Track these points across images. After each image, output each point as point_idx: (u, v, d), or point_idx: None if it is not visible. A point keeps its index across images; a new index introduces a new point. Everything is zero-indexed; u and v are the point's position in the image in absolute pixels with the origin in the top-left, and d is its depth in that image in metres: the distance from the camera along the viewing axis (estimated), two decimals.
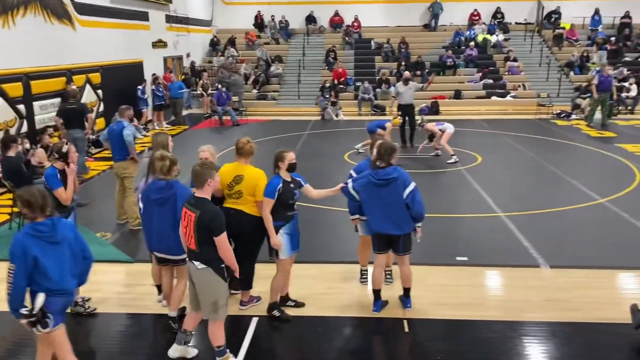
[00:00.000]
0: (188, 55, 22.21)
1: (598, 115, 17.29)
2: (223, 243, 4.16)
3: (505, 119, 18.70)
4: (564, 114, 18.85)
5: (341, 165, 11.03)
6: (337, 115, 19.33)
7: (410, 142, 14.47)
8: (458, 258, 6.79)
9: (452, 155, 11.92)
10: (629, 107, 19.39)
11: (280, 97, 21.42)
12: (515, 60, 22.30)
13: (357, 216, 5.81)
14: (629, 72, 20.65)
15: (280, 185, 5.07)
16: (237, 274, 4.36)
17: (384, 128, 12.14)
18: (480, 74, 21.87)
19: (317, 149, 13.46)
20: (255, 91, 21.55)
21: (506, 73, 21.97)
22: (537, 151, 13.20)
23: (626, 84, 19.54)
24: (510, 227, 7.92)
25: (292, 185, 5.15)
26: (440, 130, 12.29)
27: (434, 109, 19.88)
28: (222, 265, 4.25)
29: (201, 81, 20.65)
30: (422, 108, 19.98)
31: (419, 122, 12.62)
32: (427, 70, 21.86)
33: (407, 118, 14.17)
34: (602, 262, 6.65)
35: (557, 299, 5.73)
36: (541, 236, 7.53)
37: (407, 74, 15.09)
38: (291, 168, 5.20)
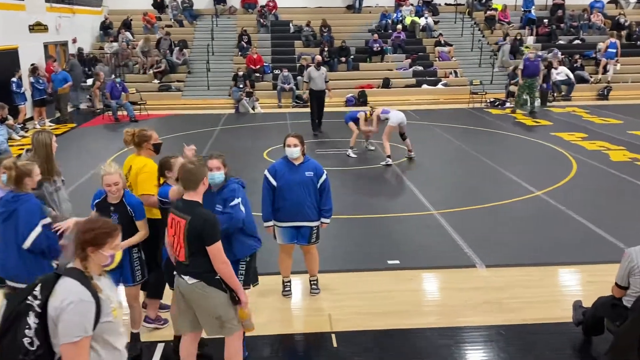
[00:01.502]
0: (74, 40, 21.32)
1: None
2: (217, 253, 4.05)
3: (437, 108, 19.39)
4: (497, 102, 19.80)
5: (260, 165, 10.99)
6: (253, 108, 19.26)
7: (319, 128, 15.06)
8: (389, 262, 6.96)
9: (387, 156, 11.59)
10: (563, 93, 20.67)
11: (187, 88, 21.08)
12: (446, 44, 23.16)
13: (271, 223, 5.87)
14: (563, 57, 22.02)
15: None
16: (241, 296, 4.17)
17: (356, 120, 12.28)
18: (410, 60, 22.53)
19: (232, 146, 13.34)
20: (156, 81, 21.07)
21: (437, 59, 22.77)
22: (471, 143, 13.78)
23: (557, 70, 20.76)
24: (444, 225, 8.22)
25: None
26: (385, 118, 11.91)
27: (361, 99, 20.26)
28: (217, 277, 4.14)
29: (97, 72, 19.87)
30: (348, 98, 20.32)
31: (369, 111, 12.52)
32: (351, 57, 22.25)
33: (317, 105, 14.70)
34: (540, 259, 7.05)
35: (494, 301, 6.00)
36: (476, 234, 7.86)
37: (318, 57, 15.52)
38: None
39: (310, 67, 15.57)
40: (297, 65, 21.53)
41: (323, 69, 15.31)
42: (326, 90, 15.40)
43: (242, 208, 4.81)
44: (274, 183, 5.81)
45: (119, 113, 17.77)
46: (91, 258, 2.95)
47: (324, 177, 5.86)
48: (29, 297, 2.88)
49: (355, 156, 12.52)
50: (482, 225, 8.24)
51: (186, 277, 4.17)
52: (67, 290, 2.83)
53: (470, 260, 6.99)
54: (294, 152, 5.77)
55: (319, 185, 5.84)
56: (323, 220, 5.97)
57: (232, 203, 4.79)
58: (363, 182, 10.72)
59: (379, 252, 7.26)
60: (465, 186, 10.29)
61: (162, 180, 5.08)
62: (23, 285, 4.27)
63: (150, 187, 5.26)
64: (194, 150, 5.51)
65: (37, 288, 2.89)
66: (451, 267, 6.85)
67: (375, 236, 7.84)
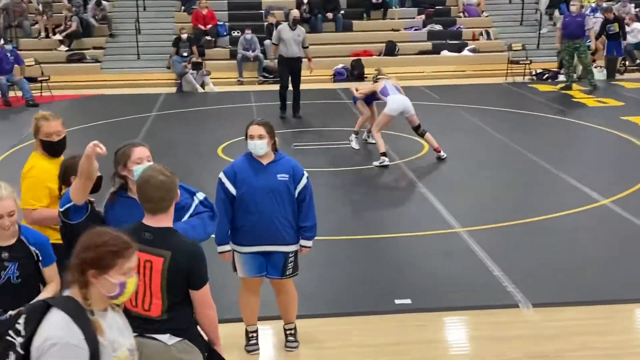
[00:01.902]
0: None
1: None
2: (207, 296, 4.13)
3: (462, 84, 19.45)
4: (547, 75, 19.94)
5: (212, 165, 10.93)
6: (203, 85, 19.21)
7: (296, 112, 15.22)
8: (397, 301, 6.93)
9: (381, 154, 11.53)
10: (638, 61, 20.88)
11: (108, 58, 20.96)
12: None
13: (228, 247, 5.84)
14: (638, 10, 22.22)
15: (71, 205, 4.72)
16: (221, 352, 4.26)
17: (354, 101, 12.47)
18: (423, 17, 22.62)
19: (172, 140, 13.28)
20: (64, 48, 20.91)
21: (461, 15, 22.87)
22: (510, 132, 13.82)
23: (629, 28, 20.97)
24: (473, 248, 8.21)
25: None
26: (383, 97, 11.75)
27: (355, 72, 20.29)
28: (198, 330, 4.19)
29: None
30: (337, 70, 20.35)
31: (373, 77, 12.50)
32: (342, 12, 22.29)
33: (291, 78, 15.02)
34: (609, 294, 7.05)
35: (547, 354, 6.00)
36: (519, 260, 7.85)
37: (295, 12, 15.58)
38: (97, 185, 4.98)
39: (282, 24, 15.60)
40: (265, 24, 21.53)
41: (300, 29, 15.40)
42: (304, 59, 15.44)
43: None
44: (233, 191, 5.77)
45: (11, 94, 17.60)
46: (93, 285, 2.99)
47: (304, 181, 5.84)
48: (11, 332, 2.96)
49: (358, 147, 12.54)
50: (527, 248, 8.24)
51: (163, 337, 4.12)
52: (53, 327, 2.90)
53: (511, 298, 6.99)
54: (259, 146, 5.73)
55: (297, 193, 5.82)
56: (303, 243, 5.93)
57: (197, 200, 4.80)
58: (360, 188, 10.69)
59: (382, 288, 7.22)
60: (503, 194, 10.32)
61: (64, 190, 4.99)
62: None
63: (35, 198, 5.21)
64: (99, 149, 4.94)
65: (21, 320, 2.98)
66: (484, 308, 6.81)
67: (377, 265, 7.82)
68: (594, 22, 19.22)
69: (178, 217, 4.52)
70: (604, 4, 21.36)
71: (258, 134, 5.73)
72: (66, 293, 3.05)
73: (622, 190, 10.18)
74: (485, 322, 6.60)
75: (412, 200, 10.22)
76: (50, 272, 4.66)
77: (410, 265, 7.88)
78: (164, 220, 4.14)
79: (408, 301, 6.96)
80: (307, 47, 15.69)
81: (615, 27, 19.90)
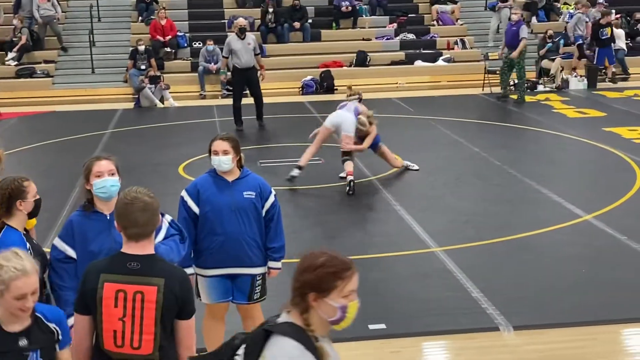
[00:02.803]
0: None
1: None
2: (192, 328, 4.10)
3: (437, 95, 19.57)
4: (526, 84, 20.07)
5: (173, 185, 10.91)
6: (162, 100, 19.16)
7: (259, 119, 15.56)
8: (371, 326, 6.93)
9: (297, 166, 11.49)
10: (617, 70, 21.13)
11: (60, 72, 20.86)
12: (448, 1, 23.49)
13: (191, 271, 5.80)
14: (620, 16, 22.49)
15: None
16: None
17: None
18: (395, 25, 22.75)
19: (130, 158, 13.19)
20: (11, 62, 20.74)
21: (435, 23, 23.04)
22: (488, 145, 13.92)
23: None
24: (450, 268, 8.25)
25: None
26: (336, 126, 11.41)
27: (324, 84, 20.33)
28: None
29: None
30: (306, 82, 20.37)
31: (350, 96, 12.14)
32: (309, 21, 22.34)
33: (249, 87, 15.39)
34: (594, 315, 7.11)
35: None
36: (499, 280, 7.91)
37: (241, 21, 15.61)
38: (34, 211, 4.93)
39: (231, 35, 15.80)
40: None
41: (250, 36, 15.56)
42: (256, 67, 15.62)
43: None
44: (196, 210, 5.77)
45: None
46: (314, 310, 3.02)
47: (271, 199, 5.85)
48: None
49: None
50: (507, 268, 8.30)
51: None
52: (285, 355, 2.92)
53: (491, 321, 7.02)
54: (224, 161, 5.74)
55: (264, 211, 5.83)
56: (272, 265, 5.94)
57: (165, 224, 4.84)
58: (332, 207, 10.71)
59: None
60: (482, 210, 10.38)
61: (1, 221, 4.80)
62: None
63: None
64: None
65: (240, 351, 3.07)
66: (463, 332, 6.84)
67: None
68: (524, 32, 19.23)
69: None
70: (593, 10, 21.58)
71: (222, 150, 5.74)
72: (282, 319, 3.06)
73: (606, 204, 10.28)
74: (464, 346, 6.63)
75: (386, 218, 10.23)
76: (65, 356, 4.04)
77: (384, 287, 7.87)
78: (148, 247, 4.03)
79: (382, 326, 6.96)
80: (259, 54, 15.83)
81: (608, 32, 20.19)
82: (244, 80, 15.52)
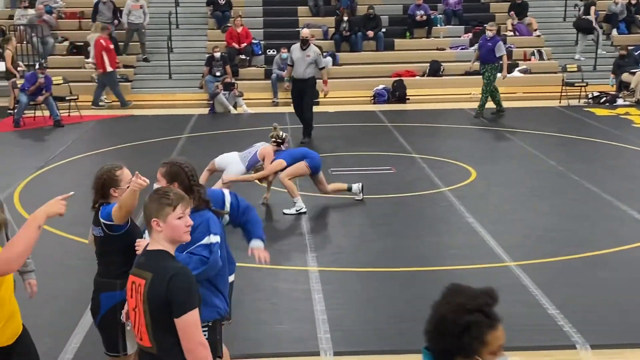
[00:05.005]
0: None
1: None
2: (191, 329, 3.93)
3: (513, 107, 19.33)
4: (604, 98, 19.75)
5: (247, 189, 10.98)
6: (235, 106, 19.32)
7: (304, 136, 15.12)
8: None
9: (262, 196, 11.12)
10: None
11: (138, 77, 21.17)
12: (525, 12, 23.16)
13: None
14: None
15: None
16: None
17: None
18: (470, 35, 22.58)
19: (204, 162, 13.31)
20: (92, 66, 21.07)
21: (511, 33, 22.80)
22: (564, 159, 13.69)
23: None
24: (525, 283, 8.12)
25: None
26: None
27: (396, 93, 20.27)
28: None
29: (7, 51, 19.98)
30: (377, 91, 20.34)
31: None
32: (383, 30, 22.33)
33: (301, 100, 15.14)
34: None
35: None
36: (576, 297, 7.74)
37: (304, 32, 15.63)
38: None
39: (295, 44, 15.72)
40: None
41: (313, 48, 15.37)
42: (318, 81, 15.50)
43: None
44: None
45: (37, 113, 17.82)
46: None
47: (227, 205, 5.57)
48: None
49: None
50: (585, 285, 8.14)
51: None
52: None
53: (568, 339, 6.89)
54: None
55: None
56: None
57: (205, 241, 4.77)
58: (402, 217, 10.63)
59: (420, 329, 7.12)
60: (559, 225, 10.18)
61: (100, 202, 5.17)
62: None
63: None
64: (144, 182, 4.98)
65: None
66: (538, 349, 6.75)
67: (413, 301, 7.67)
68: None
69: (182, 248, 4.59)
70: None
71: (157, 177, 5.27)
72: None
73: None
74: None
75: (458, 231, 10.09)
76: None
77: None
78: (153, 241, 4.12)
79: None
80: (324, 68, 15.72)
81: None
82: (297, 91, 15.46)
